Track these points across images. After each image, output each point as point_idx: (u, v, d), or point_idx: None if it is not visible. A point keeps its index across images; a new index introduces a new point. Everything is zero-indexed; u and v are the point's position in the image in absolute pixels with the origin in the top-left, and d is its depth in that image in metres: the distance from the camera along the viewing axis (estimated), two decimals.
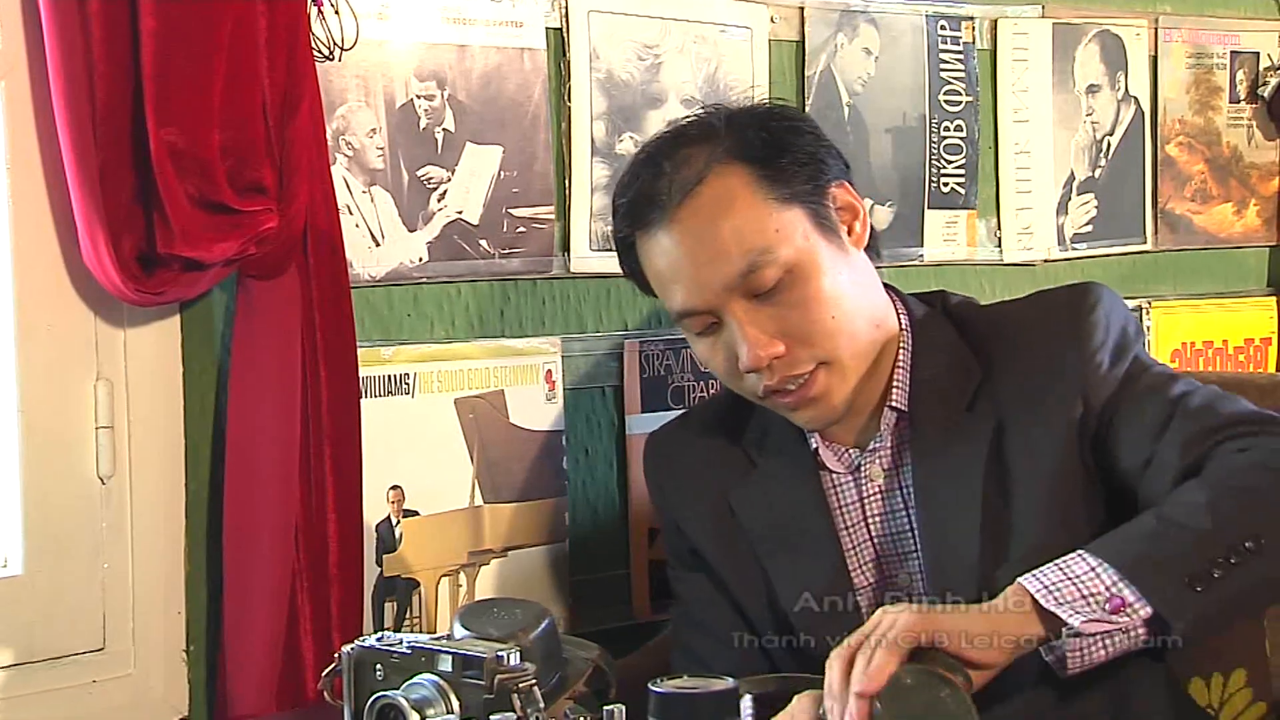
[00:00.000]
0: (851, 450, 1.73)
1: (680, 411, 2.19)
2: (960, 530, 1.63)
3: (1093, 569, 1.42)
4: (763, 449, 1.78)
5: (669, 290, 1.68)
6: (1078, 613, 1.40)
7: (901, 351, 1.71)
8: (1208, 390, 1.62)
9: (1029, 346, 1.67)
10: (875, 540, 1.71)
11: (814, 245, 1.65)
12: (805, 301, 1.63)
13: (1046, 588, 1.41)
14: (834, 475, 1.74)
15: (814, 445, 1.74)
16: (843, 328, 1.65)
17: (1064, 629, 1.41)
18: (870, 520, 1.71)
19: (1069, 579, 1.42)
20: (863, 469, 1.72)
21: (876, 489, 1.71)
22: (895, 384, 1.70)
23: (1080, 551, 1.44)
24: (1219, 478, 1.48)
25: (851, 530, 1.72)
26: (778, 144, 1.66)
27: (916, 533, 1.68)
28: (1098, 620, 1.40)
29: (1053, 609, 1.40)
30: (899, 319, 1.73)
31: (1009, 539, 1.61)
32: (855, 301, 1.67)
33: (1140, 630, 1.41)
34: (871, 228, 1.74)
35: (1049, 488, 1.62)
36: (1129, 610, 1.40)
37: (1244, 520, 1.43)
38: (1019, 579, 1.43)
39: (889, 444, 1.71)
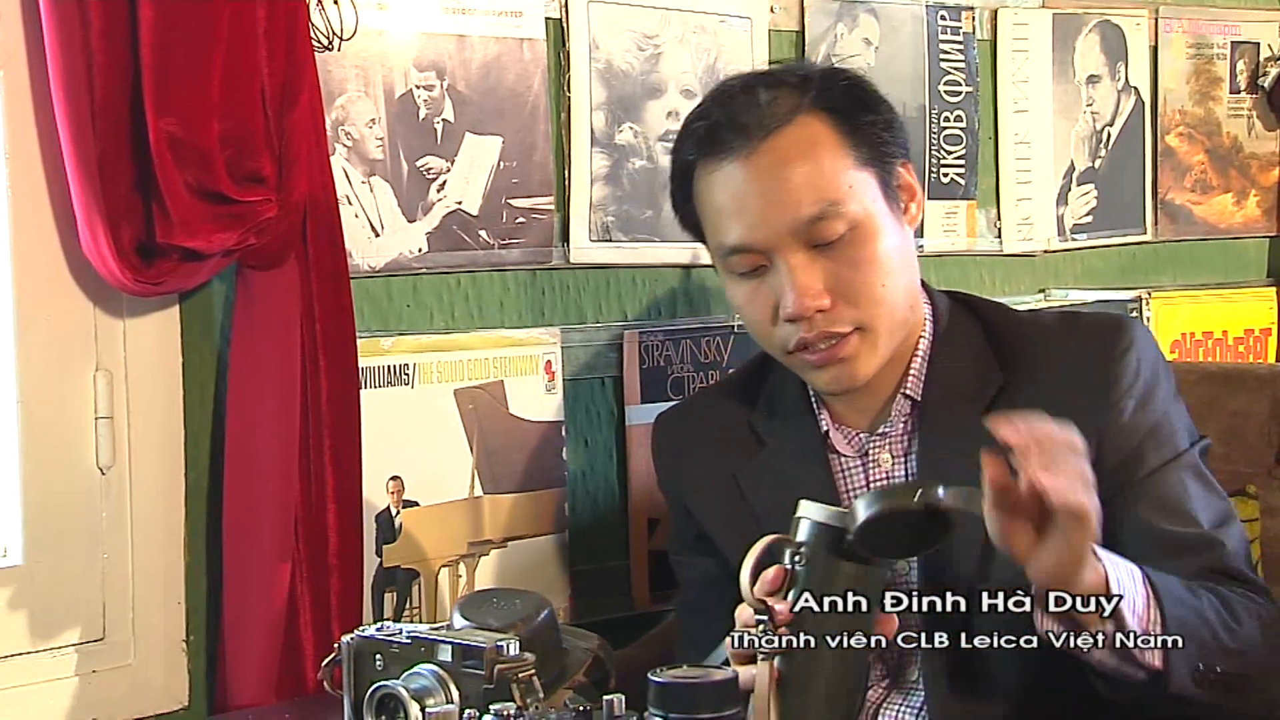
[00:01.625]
0: (861, 434, 1.72)
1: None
2: (960, 538, 1.62)
3: (1150, 600, 1.45)
4: (771, 428, 1.77)
5: (726, 223, 1.65)
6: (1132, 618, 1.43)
7: (922, 340, 1.71)
8: (1234, 530, 1.62)
9: (1056, 371, 1.65)
10: None
11: (879, 210, 1.65)
12: (861, 262, 1.63)
13: (1122, 588, 1.43)
14: (843, 459, 1.73)
15: (825, 428, 1.74)
16: (886, 298, 1.64)
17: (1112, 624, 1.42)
18: None
19: (1135, 588, 1.44)
20: (870, 454, 1.72)
21: (883, 474, 1.71)
22: (911, 372, 1.70)
23: (1148, 579, 1.46)
24: (1245, 618, 1.52)
25: None
26: (864, 104, 1.67)
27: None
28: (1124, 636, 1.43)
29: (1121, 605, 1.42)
30: (924, 308, 1.73)
31: (1000, 559, 1.60)
32: (902, 277, 1.67)
33: (1135, 672, 1.44)
34: None
35: None
36: (1152, 654, 1.44)
37: (1250, 662, 1.49)
38: (1120, 564, 1.45)
39: (899, 430, 1.71)
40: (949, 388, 1.68)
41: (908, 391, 1.70)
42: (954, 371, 1.69)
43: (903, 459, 1.70)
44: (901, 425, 1.70)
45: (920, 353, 1.70)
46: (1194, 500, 1.62)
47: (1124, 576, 1.43)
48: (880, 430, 1.71)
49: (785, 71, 1.70)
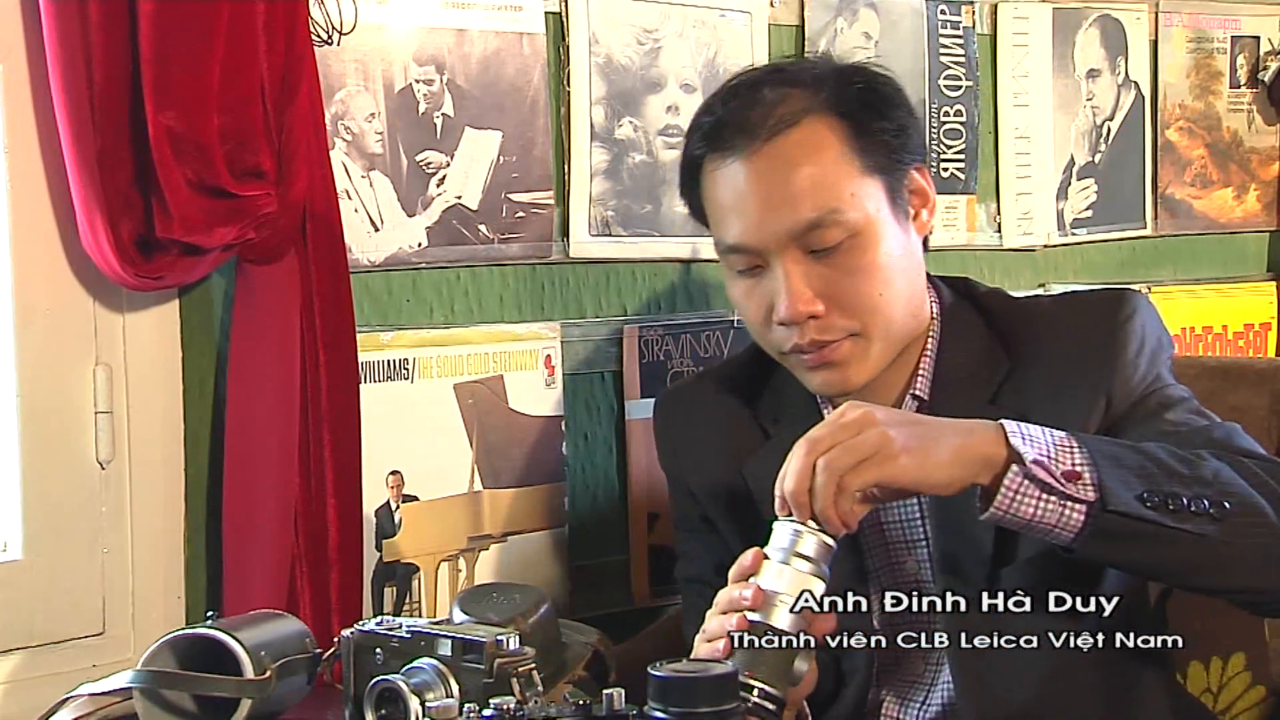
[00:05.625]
0: None
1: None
2: (974, 525, 1.61)
3: (1070, 445, 1.42)
4: (778, 420, 1.76)
5: (726, 221, 1.64)
6: (1037, 456, 1.40)
7: (930, 340, 1.70)
8: (1228, 426, 1.60)
9: (1061, 346, 1.64)
10: (885, 525, 1.70)
11: (883, 219, 1.62)
12: (858, 270, 1.61)
13: (1021, 432, 1.42)
14: None
15: None
16: (883, 308, 1.63)
17: (1015, 466, 1.40)
18: (884, 505, 1.70)
19: (1046, 437, 1.42)
20: None
21: None
22: (920, 373, 1.69)
23: (1069, 432, 1.44)
24: (1227, 461, 1.47)
25: None
26: (876, 110, 1.64)
27: (927, 522, 1.67)
28: (1047, 471, 1.40)
29: (1016, 443, 1.40)
30: (930, 307, 1.71)
31: (1019, 539, 1.57)
32: (902, 286, 1.65)
33: (1074, 512, 1.40)
34: None
35: None
36: (1079, 484, 1.40)
37: (1223, 491, 1.43)
38: (1000, 420, 1.44)
39: None
40: (957, 383, 1.67)
41: (916, 392, 1.69)
42: (960, 366, 1.68)
43: None
44: None
45: (928, 352, 1.69)
46: (1199, 414, 1.60)
47: (1034, 434, 1.42)
48: None
49: (798, 69, 1.67)
